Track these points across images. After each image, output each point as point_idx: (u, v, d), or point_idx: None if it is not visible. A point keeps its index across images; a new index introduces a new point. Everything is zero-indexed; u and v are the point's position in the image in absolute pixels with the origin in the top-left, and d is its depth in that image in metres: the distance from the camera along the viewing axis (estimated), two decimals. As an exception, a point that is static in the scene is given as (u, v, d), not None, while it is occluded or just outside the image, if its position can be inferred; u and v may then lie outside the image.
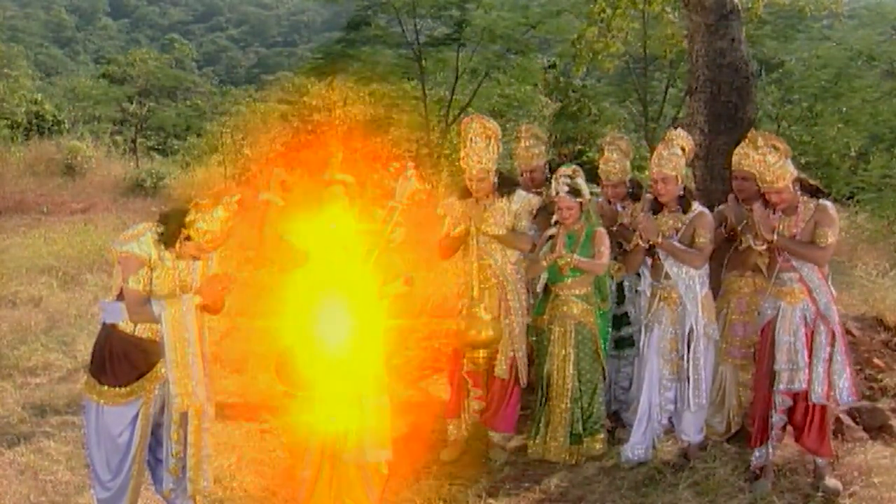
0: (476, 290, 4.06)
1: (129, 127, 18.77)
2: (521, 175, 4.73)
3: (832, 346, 3.70)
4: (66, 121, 17.12)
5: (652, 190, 4.09)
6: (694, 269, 3.94)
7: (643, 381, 4.15)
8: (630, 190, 4.56)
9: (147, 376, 3.06)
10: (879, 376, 5.05)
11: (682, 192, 3.97)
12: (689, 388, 3.99)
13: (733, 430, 4.33)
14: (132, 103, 20.80)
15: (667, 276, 4.02)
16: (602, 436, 4.23)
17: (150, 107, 21.23)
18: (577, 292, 4.15)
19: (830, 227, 3.64)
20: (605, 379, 4.30)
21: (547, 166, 4.77)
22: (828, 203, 3.71)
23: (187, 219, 3.01)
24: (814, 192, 3.72)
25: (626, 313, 4.53)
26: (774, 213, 3.74)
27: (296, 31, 57.49)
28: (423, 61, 14.38)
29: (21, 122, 15.29)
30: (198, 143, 18.86)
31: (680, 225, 3.98)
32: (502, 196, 4.10)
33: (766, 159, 3.60)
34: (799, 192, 3.69)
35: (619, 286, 4.50)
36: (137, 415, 3.06)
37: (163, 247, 3.00)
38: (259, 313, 6.74)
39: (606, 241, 4.12)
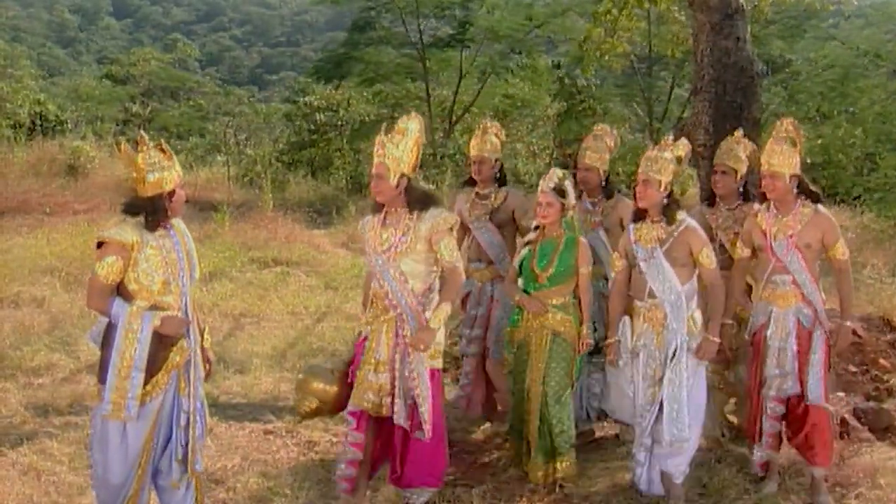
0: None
1: (132, 127, 18.75)
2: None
3: (827, 350, 3.65)
4: (68, 121, 17.08)
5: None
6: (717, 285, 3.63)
7: (636, 409, 3.76)
8: (603, 185, 4.36)
9: (163, 368, 3.03)
10: (885, 377, 5.03)
11: (666, 201, 3.62)
12: (664, 420, 3.55)
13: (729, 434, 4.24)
14: (135, 103, 20.81)
15: (651, 295, 3.64)
16: (573, 458, 3.88)
17: (153, 107, 21.22)
18: (554, 302, 3.87)
19: (839, 236, 3.61)
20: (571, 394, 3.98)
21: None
22: (826, 210, 3.68)
23: (147, 193, 2.99)
24: (810, 195, 3.66)
25: (593, 319, 4.27)
26: (770, 211, 3.70)
27: (299, 31, 57.46)
28: (427, 62, 14.41)
29: (24, 123, 15.24)
30: (201, 144, 18.88)
31: (664, 236, 3.61)
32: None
33: (782, 147, 3.59)
34: (796, 192, 3.64)
35: None
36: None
37: (145, 231, 2.99)
38: (263, 313, 6.78)
39: (588, 255, 3.87)
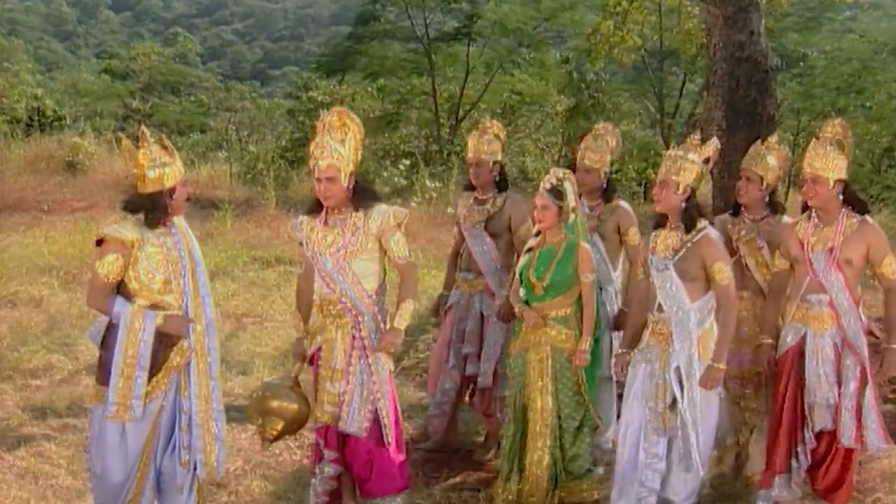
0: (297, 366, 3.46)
1: (132, 123, 18.65)
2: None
3: (862, 381, 3.31)
4: (67, 117, 17.01)
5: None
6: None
7: (626, 431, 3.51)
8: (604, 187, 4.12)
9: (163, 368, 3.00)
10: (904, 380, 4.92)
11: (685, 205, 3.33)
12: (678, 444, 3.35)
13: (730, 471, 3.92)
14: (135, 99, 20.72)
15: (659, 308, 3.39)
16: (590, 481, 3.72)
17: (154, 102, 21.13)
18: (554, 314, 3.60)
19: (888, 251, 3.32)
20: (592, 420, 3.74)
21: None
22: (874, 222, 3.40)
23: (148, 189, 2.97)
24: (856, 205, 3.37)
25: None
26: (810, 220, 3.40)
27: (302, 24, 57.25)
28: (433, 56, 14.28)
29: (21, 118, 15.19)
30: (202, 140, 18.79)
31: (679, 245, 3.34)
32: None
33: (826, 149, 3.30)
34: (841, 200, 3.35)
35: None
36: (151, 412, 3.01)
37: (145, 229, 2.97)
38: (265, 313, 6.70)
39: (590, 262, 3.60)
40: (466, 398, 4.38)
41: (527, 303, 3.65)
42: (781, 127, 9.68)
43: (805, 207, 3.47)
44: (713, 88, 5.45)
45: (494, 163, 4.08)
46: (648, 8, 9.22)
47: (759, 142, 3.85)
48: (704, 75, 6.07)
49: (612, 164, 4.25)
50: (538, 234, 3.68)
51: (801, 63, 13.02)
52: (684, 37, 9.69)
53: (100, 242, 2.96)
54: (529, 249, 3.69)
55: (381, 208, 3.33)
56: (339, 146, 3.23)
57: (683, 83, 13.87)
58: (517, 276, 3.72)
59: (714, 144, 3.46)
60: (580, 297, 3.62)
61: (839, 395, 3.33)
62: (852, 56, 11.68)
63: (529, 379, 3.64)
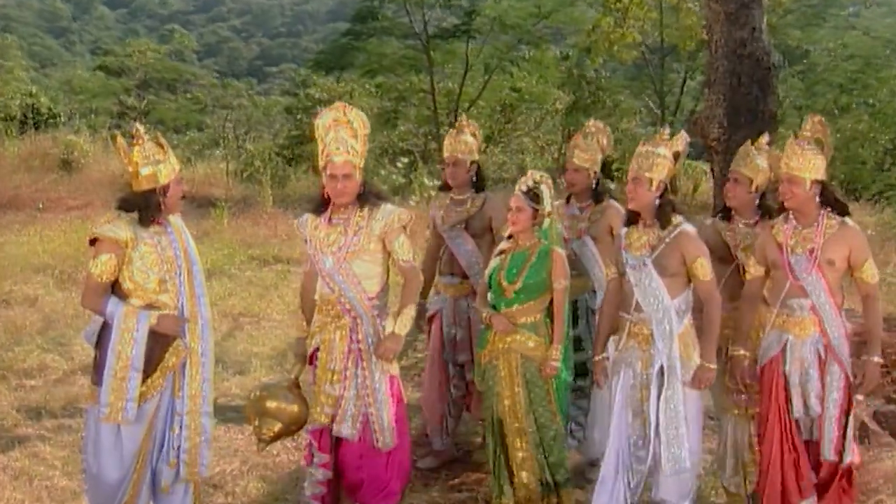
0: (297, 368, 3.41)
1: (128, 121, 18.59)
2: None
3: (846, 391, 3.17)
4: (62, 114, 16.96)
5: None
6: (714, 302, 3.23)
7: (611, 435, 3.37)
8: (594, 188, 4.00)
9: (158, 369, 2.98)
10: (906, 379, 4.90)
11: (659, 202, 3.21)
12: (661, 447, 3.20)
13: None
14: (130, 96, 20.68)
15: (637, 308, 3.26)
16: (573, 487, 3.61)
17: (150, 100, 21.10)
18: (523, 321, 3.46)
19: (869, 255, 3.17)
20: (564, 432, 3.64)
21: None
22: (854, 224, 3.26)
23: (142, 187, 2.93)
24: (836, 206, 3.21)
25: (580, 337, 3.92)
26: (788, 222, 3.26)
27: (300, 21, 57.13)
28: (432, 53, 14.24)
29: (15, 116, 15.18)
30: (199, 138, 18.75)
31: (656, 242, 3.23)
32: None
33: (803, 148, 3.16)
34: (818, 200, 3.21)
35: (573, 304, 3.79)
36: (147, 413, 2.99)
37: (140, 227, 2.94)
38: (263, 313, 6.67)
39: (564, 268, 3.46)
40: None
41: (494, 308, 3.54)
42: (784, 125, 9.63)
43: (782, 209, 3.32)
44: (714, 85, 5.42)
45: (471, 162, 3.98)
46: (649, 4, 9.20)
47: (748, 142, 3.71)
48: (706, 72, 6.00)
49: (609, 162, 4.17)
50: (510, 237, 3.56)
51: (804, 60, 13.00)
52: (684, 33, 9.63)
53: (93, 242, 2.93)
54: (501, 252, 3.57)
55: (386, 209, 3.25)
56: (353, 141, 3.17)
57: (684, 80, 13.85)
58: (486, 279, 3.59)
59: (683, 138, 3.34)
60: (550, 304, 3.50)
61: (822, 405, 3.18)
62: (855, 53, 11.63)
63: (501, 391, 3.52)
